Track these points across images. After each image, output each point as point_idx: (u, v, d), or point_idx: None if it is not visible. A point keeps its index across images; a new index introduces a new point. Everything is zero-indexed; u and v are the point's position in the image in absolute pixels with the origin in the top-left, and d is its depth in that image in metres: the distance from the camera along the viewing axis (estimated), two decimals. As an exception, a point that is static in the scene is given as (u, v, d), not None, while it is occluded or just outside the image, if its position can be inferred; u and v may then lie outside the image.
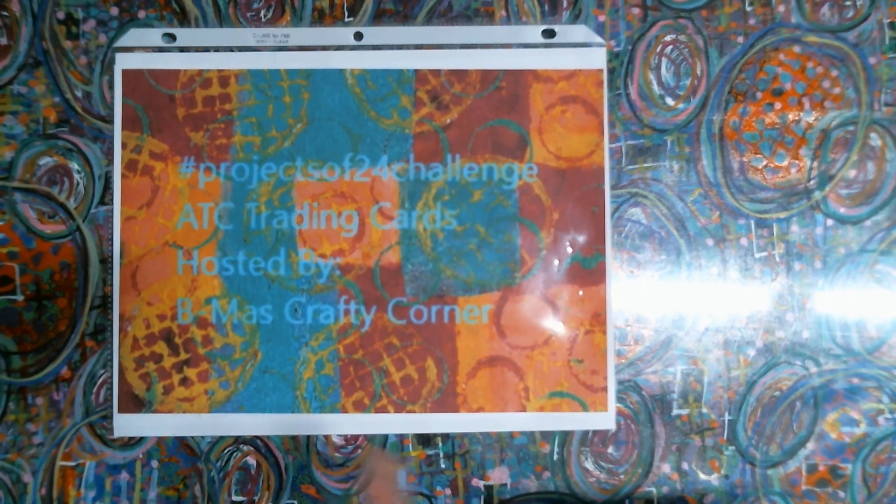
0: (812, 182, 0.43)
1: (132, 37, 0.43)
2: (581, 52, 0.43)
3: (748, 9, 0.43)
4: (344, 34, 0.43)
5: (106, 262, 0.42)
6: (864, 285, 0.43)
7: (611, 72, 0.43)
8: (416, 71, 0.43)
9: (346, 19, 0.43)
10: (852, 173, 0.43)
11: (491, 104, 0.43)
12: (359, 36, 0.43)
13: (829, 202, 0.43)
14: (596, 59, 0.43)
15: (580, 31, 0.43)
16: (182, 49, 0.43)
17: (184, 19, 0.43)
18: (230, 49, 0.43)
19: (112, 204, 0.43)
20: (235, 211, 0.43)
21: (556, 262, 0.43)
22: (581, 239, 0.43)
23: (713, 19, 0.43)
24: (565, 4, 0.43)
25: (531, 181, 0.43)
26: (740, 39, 0.43)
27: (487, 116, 0.43)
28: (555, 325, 0.42)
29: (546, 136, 0.43)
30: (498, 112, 0.43)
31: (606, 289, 0.42)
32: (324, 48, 0.43)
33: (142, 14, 0.43)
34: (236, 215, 0.43)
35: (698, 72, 0.43)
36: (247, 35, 0.43)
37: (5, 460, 0.42)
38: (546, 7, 0.43)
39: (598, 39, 0.43)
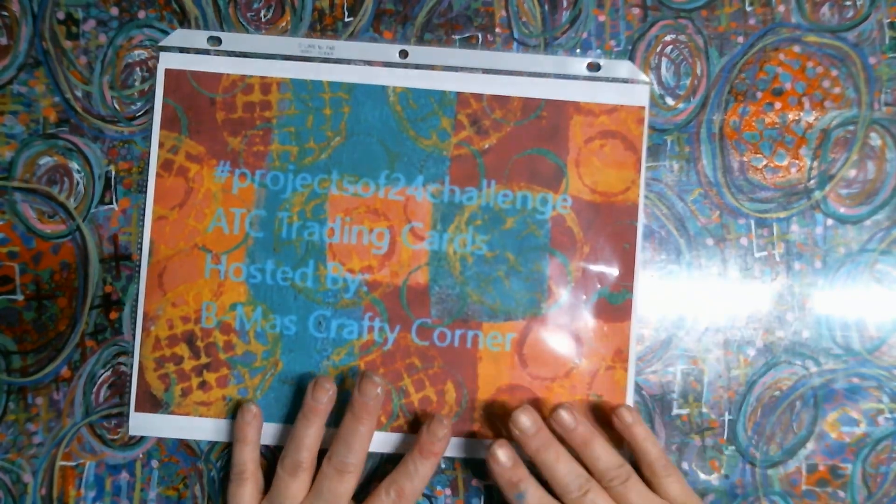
0: (812, 182, 0.43)
1: (177, 37, 0.43)
2: (624, 88, 0.43)
3: (748, 9, 0.43)
4: (388, 50, 0.43)
5: (106, 261, 0.42)
6: (864, 285, 0.43)
7: (611, 72, 0.43)
8: (458, 93, 0.43)
9: (346, 19, 0.43)
10: (852, 173, 0.43)
11: (530, 133, 0.43)
12: (404, 54, 0.43)
13: (829, 202, 0.43)
14: (639, 95, 0.43)
15: (625, 67, 0.43)
16: (227, 53, 0.43)
17: (184, 19, 0.43)
18: (274, 57, 0.43)
19: (113, 203, 0.43)
20: (267, 219, 0.42)
21: (584, 295, 0.42)
22: (610, 275, 0.42)
23: (713, 19, 0.43)
24: (565, 4, 0.43)
25: (564, 213, 0.42)
26: (740, 39, 0.43)
27: (526, 145, 0.43)
28: (577, 359, 0.42)
29: (583, 169, 0.43)
30: (537, 141, 0.43)
31: (631, 326, 0.42)
32: (368, 63, 0.43)
33: (141, 14, 0.43)
34: (268, 223, 0.42)
35: (698, 72, 0.43)
36: (292, 44, 0.43)
37: (5, 460, 0.42)
38: (546, 7, 0.43)
39: (643, 77, 0.43)
